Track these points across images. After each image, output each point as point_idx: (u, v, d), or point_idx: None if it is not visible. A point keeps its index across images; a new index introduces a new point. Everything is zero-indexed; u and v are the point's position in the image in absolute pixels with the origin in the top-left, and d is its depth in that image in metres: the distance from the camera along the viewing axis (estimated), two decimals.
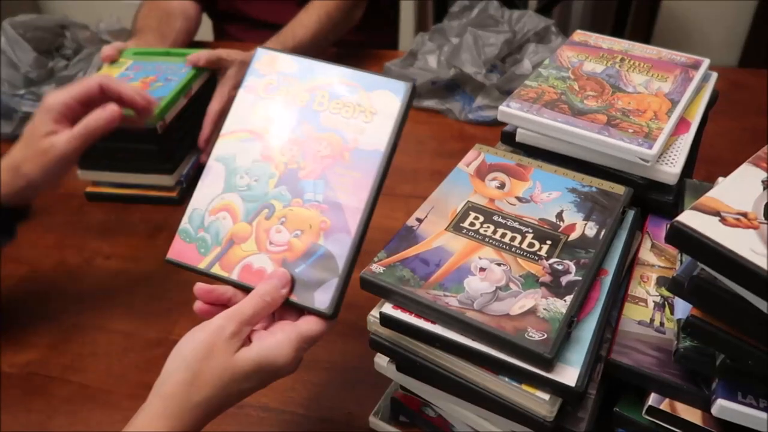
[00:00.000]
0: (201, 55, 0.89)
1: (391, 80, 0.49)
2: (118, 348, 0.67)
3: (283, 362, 0.43)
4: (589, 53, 0.65)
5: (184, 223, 0.52)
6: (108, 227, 0.84)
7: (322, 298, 0.46)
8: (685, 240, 0.36)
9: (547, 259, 0.45)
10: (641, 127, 0.53)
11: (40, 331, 0.69)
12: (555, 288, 0.43)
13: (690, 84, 0.59)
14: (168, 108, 0.82)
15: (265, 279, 0.46)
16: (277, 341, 0.43)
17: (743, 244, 0.34)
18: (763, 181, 0.40)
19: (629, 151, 0.51)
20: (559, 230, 0.48)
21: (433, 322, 0.43)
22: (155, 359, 0.65)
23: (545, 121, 0.54)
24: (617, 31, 1.77)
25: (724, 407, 0.38)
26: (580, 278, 0.43)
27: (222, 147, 0.53)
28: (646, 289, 0.48)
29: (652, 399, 0.42)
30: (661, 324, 0.45)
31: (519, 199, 0.51)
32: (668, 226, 0.37)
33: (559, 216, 0.49)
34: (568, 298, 0.42)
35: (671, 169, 0.52)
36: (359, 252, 0.46)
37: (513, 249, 0.46)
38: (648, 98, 0.57)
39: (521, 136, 0.57)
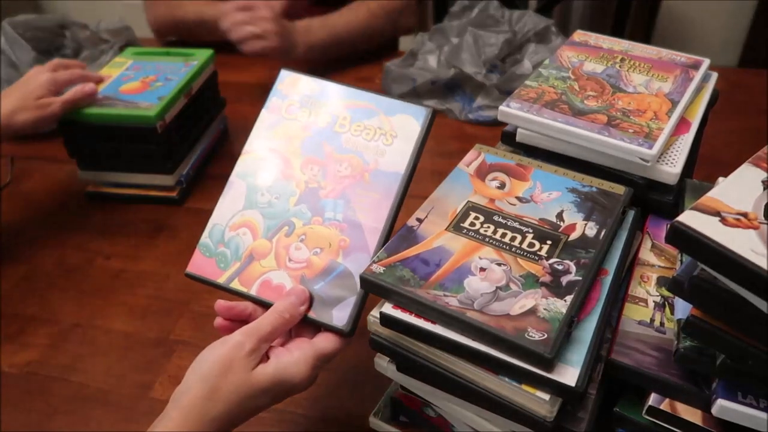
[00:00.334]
0: None
1: (412, 105, 0.51)
2: (118, 348, 0.67)
3: (299, 380, 0.44)
4: (589, 53, 0.65)
5: (205, 238, 0.53)
6: (108, 227, 0.84)
7: (340, 316, 0.46)
8: (686, 240, 0.36)
9: (548, 259, 0.45)
10: (641, 127, 0.53)
11: (40, 331, 0.69)
12: (555, 288, 0.43)
13: (690, 84, 0.59)
14: (168, 108, 0.83)
15: (283, 296, 0.47)
16: (294, 359, 0.44)
17: (743, 244, 0.34)
18: (763, 181, 0.40)
19: (629, 151, 0.51)
20: (560, 230, 0.48)
21: (434, 322, 0.43)
22: (155, 359, 0.65)
23: (545, 121, 0.54)
24: (617, 31, 1.77)
25: (724, 407, 0.38)
26: (581, 278, 0.43)
27: (244, 164, 0.54)
28: (646, 289, 0.48)
29: (653, 399, 0.42)
30: (662, 324, 0.45)
31: (519, 199, 0.51)
32: (668, 226, 0.37)
33: (560, 216, 0.49)
34: (569, 298, 0.42)
35: (671, 169, 0.52)
36: None
37: (513, 249, 0.46)
38: (648, 98, 0.57)
39: (521, 136, 0.57)
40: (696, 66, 0.62)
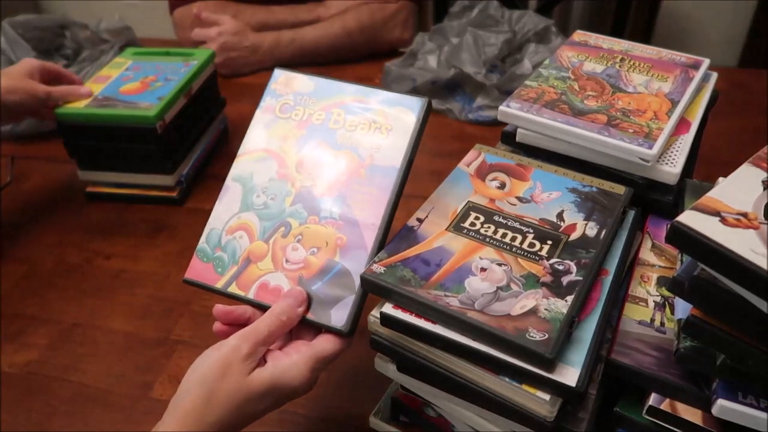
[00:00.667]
0: None
1: (407, 97, 0.50)
2: (118, 348, 0.67)
3: (298, 384, 0.43)
4: (589, 53, 0.65)
5: (202, 243, 0.52)
6: (108, 227, 0.84)
7: (339, 316, 0.46)
8: (686, 240, 0.36)
9: (548, 259, 0.45)
10: (641, 127, 0.53)
11: (40, 331, 0.69)
12: (556, 288, 0.43)
13: (690, 84, 0.59)
14: (168, 108, 0.82)
15: (281, 298, 0.46)
16: (291, 362, 0.44)
17: (743, 244, 0.34)
18: (763, 181, 0.40)
19: (629, 151, 0.51)
20: (560, 230, 0.48)
21: (434, 322, 0.43)
22: (155, 359, 0.65)
23: (545, 121, 0.54)
24: (617, 31, 1.77)
25: (724, 407, 0.38)
26: (581, 278, 0.43)
27: (239, 167, 0.54)
28: (646, 289, 0.48)
29: (653, 399, 0.42)
30: (662, 324, 0.45)
31: (519, 199, 0.51)
32: (668, 226, 0.37)
33: (560, 216, 0.49)
34: (569, 298, 0.42)
35: (671, 169, 0.52)
36: None
37: (514, 249, 0.46)
38: (648, 98, 0.57)
39: (521, 136, 0.57)
40: (696, 66, 0.62)
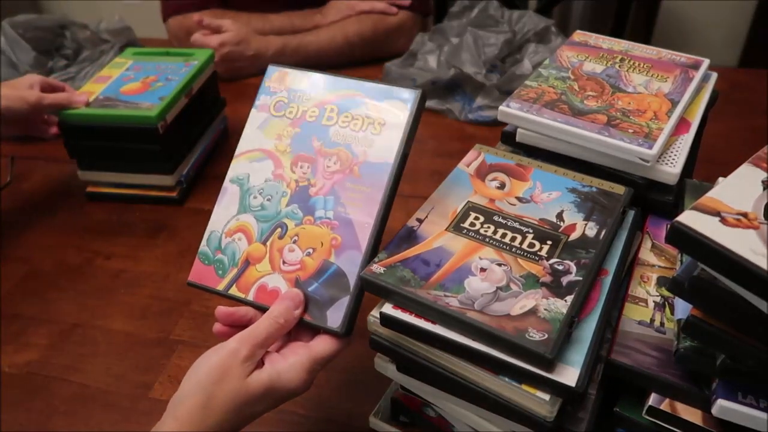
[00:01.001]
0: None
1: (400, 89, 0.49)
2: (118, 348, 0.67)
3: (295, 385, 0.44)
4: (589, 53, 0.65)
5: (203, 246, 0.53)
6: (108, 227, 0.84)
7: (335, 317, 0.46)
8: (686, 240, 0.36)
9: (548, 259, 0.45)
10: (641, 127, 0.53)
11: (40, 331, 0.69)
12: (556, 288, 0.43)
13: (690, 84, 0.59)
14: (169, 108, 0.83)
15: (277, 300, 0.46)
16: (288, 365, 0.44)
17: (743, 244, 0.34)
18: (763, 182, 0.40)
19: (629, 151, 0.51)
20: (560, 230, 0.48)
21: (434, 323, 0.43)
22: (155, 359, 0.65)
23: (545, 121, 0.54)
24: (617, 31, 1.77)
25: (724, 407, 0.38)
26: (581, 278, 0.43)
27: (236, 168, 0.54)
28: (646, 289, 0.48)
29: (653, 399, 0.42)
30: (662, 324, 0.45)
31: (519, 199, 0.51)
32: (668, 226, 0.37)
33: (560, 216, 0.49)
34: (569, 299, 0.42)
35: (671, 169, 0.52)
36: None
37: (513, 249, 0.46)
38: (648, 98, 0.57)
39: (521, 136, 0.57)
40: (696, 66, 0.62)
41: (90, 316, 0.71)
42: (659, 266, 0.50)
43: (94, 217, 0.86)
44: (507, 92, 0.97)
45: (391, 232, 0.49)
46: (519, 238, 0.47)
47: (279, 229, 0.50)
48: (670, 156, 0.53)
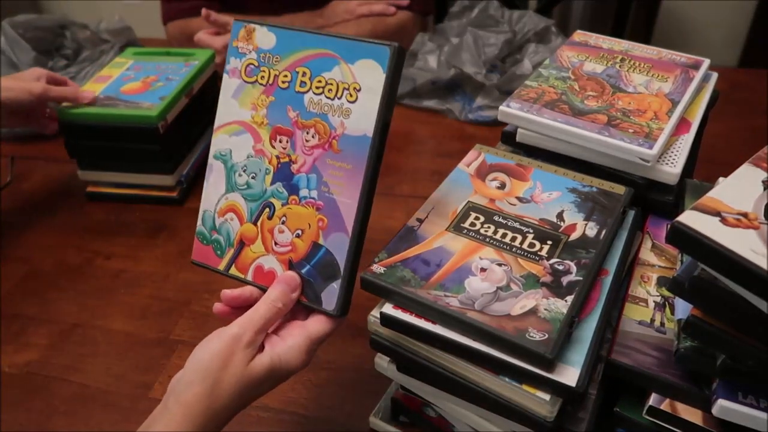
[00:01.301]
0: None
1: (374, 45, 0.43)
2: (118, 348, 0.67)
3: (295, 365, 0.45)
4: (589, 53, 0.65)
5: (199, 225, 0.52)
6: (108, 227, 0.84)
7: (329, 299, 0.46)
8: (686, 240, 0.36)
9: (548, 259, 0.45)
10: (642, 128, 0.53)
11: (40, 331, 0.69)
12: (556, 288, 0.43)
13: (690, 84, 0.59)
14: (169, 108, 0.83)
15: (274, 284, 0.47)
16: (288, 347, 0.45)
17: (743, 244, 0.34)
18: (763, 182, 0.40)
19: (630, 151, 0.51)
20: (560, 230, 0.48)
21: (434, 323, 0.43)
22: (155, 359, 0.65)
23: (545, 121, 0.54)
24: (617, 31, 1.78)
25: (724, 407, 0.38)
26: (581, 278, 0.43)
27: (218, 143, 0.52)
28: (646, 289, 0.48)
29: (653, 399, 0.42)
30: (662, 324, 0.45)
31: (519, 199, 0.51)
32: (669, 226, 0.37)
33: (560, 216, 0.49)
34: (569, 299, 0.42)
35: (672, 169, 0.52)
36: (361, 248, 0.45)
37: (514, 249, 0.46)
38: (648, 98, 0.57)
39: (521, 136, 0.57)
40: (696, 66, 0.62)
41: (90, 316, 0.71)
42: (659, 266, 0.50)
43: (94, 217, 0.86)
44: (507, 92, 0.97)
45: (391, 232, 0.49)
46: (519, 238, 0.47)
47: (267, 209, 0.48)
48: (670, 156, 0.53)
